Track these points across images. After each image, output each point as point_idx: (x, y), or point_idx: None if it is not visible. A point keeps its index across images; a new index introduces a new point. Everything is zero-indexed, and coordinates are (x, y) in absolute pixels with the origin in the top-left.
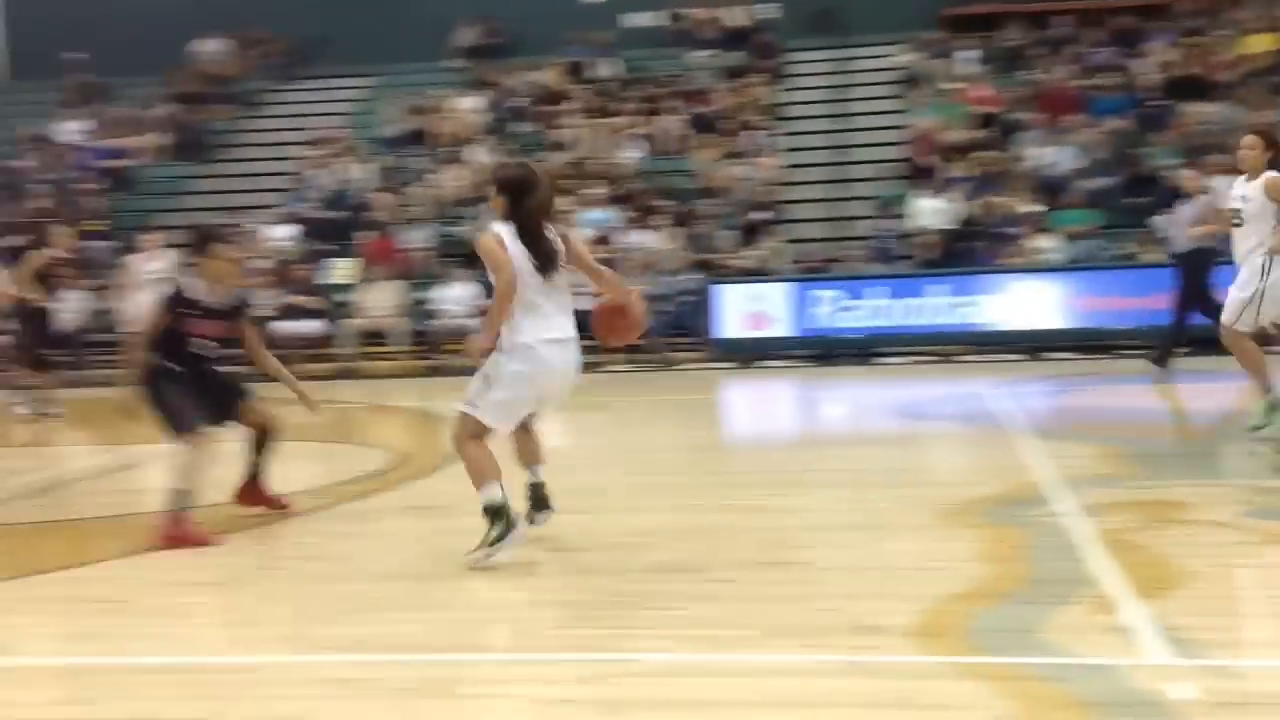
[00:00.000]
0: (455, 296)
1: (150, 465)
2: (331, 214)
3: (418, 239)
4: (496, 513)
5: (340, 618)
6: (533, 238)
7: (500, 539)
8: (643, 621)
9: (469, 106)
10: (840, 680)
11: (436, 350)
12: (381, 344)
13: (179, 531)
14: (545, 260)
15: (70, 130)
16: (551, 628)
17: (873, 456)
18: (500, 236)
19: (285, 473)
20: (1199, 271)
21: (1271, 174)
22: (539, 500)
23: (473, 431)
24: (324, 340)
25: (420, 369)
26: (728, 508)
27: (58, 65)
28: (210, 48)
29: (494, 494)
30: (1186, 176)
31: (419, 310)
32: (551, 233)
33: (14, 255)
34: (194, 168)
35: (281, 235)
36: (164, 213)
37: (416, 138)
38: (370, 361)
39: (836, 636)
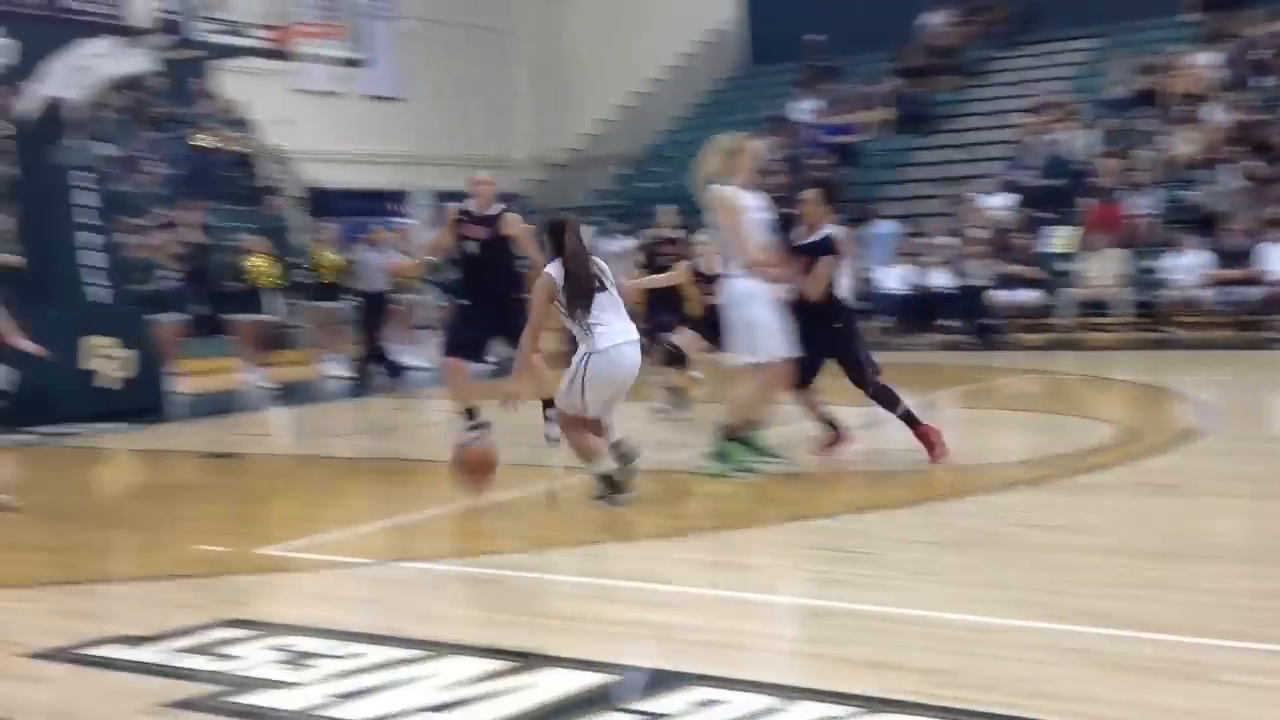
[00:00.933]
0: (1185, 265)
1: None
2: (1052, 181)
3: (1144, 205)
4: (609, 481)
5: (1077, 589)
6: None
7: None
8: None
9: (1204, 62)
10: None
11: (1164, 322)
12: (1102, 315)
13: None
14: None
15: (804, 109)
16: None
17: None
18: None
19: (1005, 442)
20: None
21: None
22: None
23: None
24: (1042, 310)
25: (1145, 341)
26: None
27: (795, 48)
28: (937, 20)
29: (604, 465)
30: None
31: (1144, 279)
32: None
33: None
34: (916, 140)
35: (1000, 204)
36: (887, 184)
37: (1146, 98)
38: (1090, 333)
39: None
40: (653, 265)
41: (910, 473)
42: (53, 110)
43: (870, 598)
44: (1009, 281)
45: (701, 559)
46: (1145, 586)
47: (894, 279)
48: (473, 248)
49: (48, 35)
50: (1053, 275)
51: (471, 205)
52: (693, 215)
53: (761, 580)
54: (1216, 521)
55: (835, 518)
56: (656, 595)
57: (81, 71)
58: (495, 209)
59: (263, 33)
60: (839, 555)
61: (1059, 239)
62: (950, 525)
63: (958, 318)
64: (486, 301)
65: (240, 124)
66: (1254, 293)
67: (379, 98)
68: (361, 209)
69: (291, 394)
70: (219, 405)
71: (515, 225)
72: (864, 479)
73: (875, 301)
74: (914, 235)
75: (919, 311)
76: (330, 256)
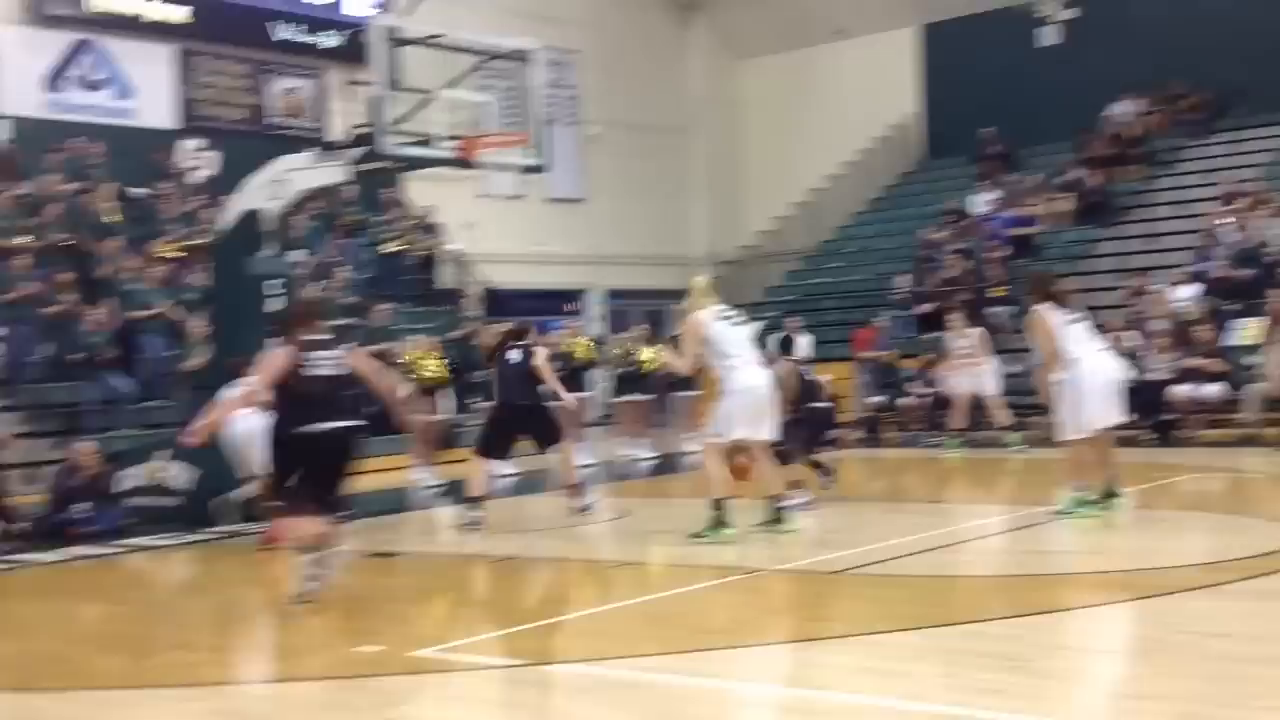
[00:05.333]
0: None
1: (1044, 526)
2: (1240, 272)
3: None
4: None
5: (1246, 702)
6: None
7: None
8: None
9: None
10: None
11: None
12: None
13: None
14: None
15: (982, 201)
16: None
17: None
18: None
19: (1182, 544)
20: None
21: None
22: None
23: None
24: (1225, 406)
25: None
26: None
27: (975, 141)
28: (1123, 109)
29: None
30: None
31: None
32: None
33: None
34: (1098, 231)
35: (1184, 296)
36: (1067, 276)
37: None
38: (1275, 429)
39: None
40: None
41: (1078, 576)
42: (250, 221)
43: (1025, 708)
44: (1191, 375)
45: (854, 664)
46: None
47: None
48: None
49: (250, 149)
50: (1237, 369)
51: None
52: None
53: (913, 689)
54: None
55: (995, 622)
56: (806, 703)
57: (279, 184)
58: None
59: (450, 144)
60: (990, 661)
61: (1245, 332)
62: (1116, 631)
63: (1137, 412)
64: None
65: (427, 229)
66: None
67: (560, 199)
68: (538, 308)
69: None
70: (390, 504)
71: None
72: (1027, 581)
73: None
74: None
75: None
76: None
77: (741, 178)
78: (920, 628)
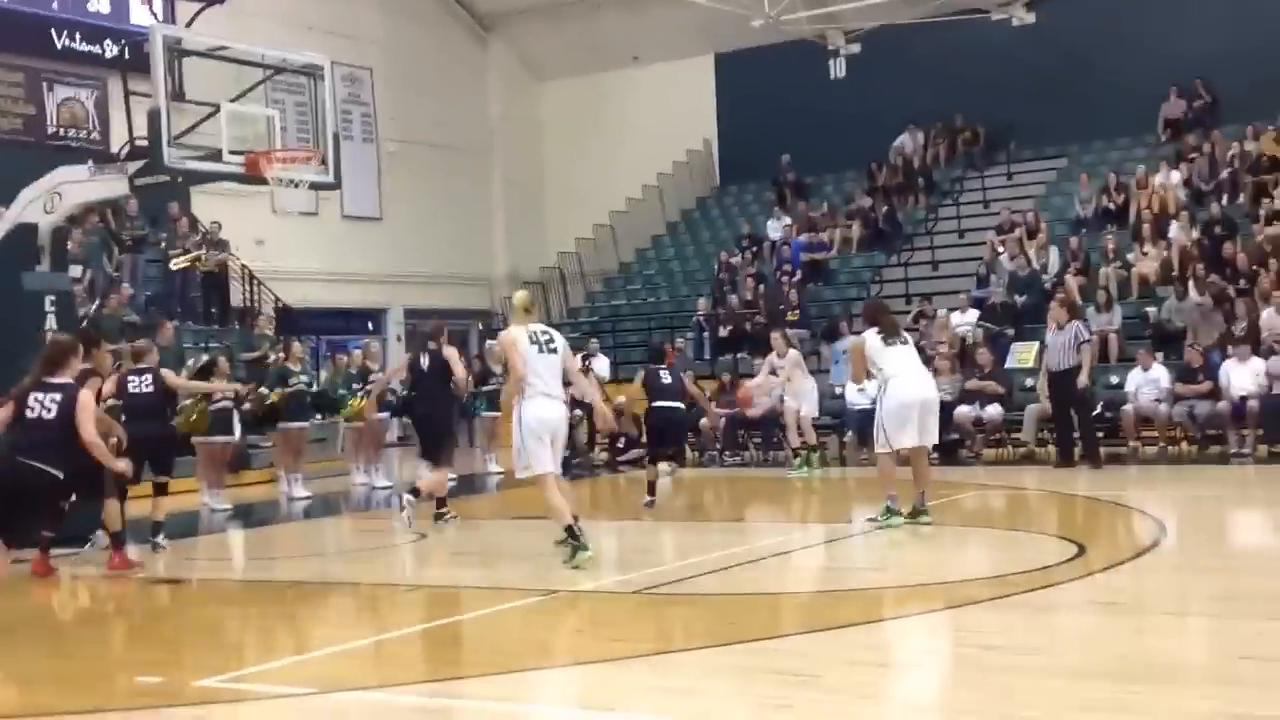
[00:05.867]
0: (1147, 380)
1: (838, 543)
2: (1017, 298)
3: (1110, 321)
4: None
5: (1020, 711)
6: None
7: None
8: None
9: (1170, 181)
10: None
11: (1127, 438)
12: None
13: None
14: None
15: (777, 227)
16: None
17: None
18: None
19: (963, 560)
20: None
21: None
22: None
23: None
24: (1005, 426)
25: (1106, 456)
26: None
27: (770, 168)
28: (907, 141)
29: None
30: None
31: (1110, 394)
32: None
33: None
34: (885, 257)
35: (966, 320)
36: (856, 301)
37: (1111, 217)
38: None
39: None
40: None
41: (860, 591)
42: (23, 235)
43: None
44: (972, 396)
45: (647, 684)
46: (1090, 710)
47: (857, 394)
48: None
49: (24, 160)
50: (1016, 391)
51: None
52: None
53: (705, 707)
54: (1168, 641)
55: (787, 638)
56: None
57: (54, 197)
58: None
59: (238, 158)
60: (782, 678)
61: (1022, 355)
62: (896, 645)
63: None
64: None
65: (216, 245)
66: (1214, 408)
67: (357, 217)
68: (336, 327)
69: (250, 515)
70: (176, 528)
71: None
72: (814, 598)
73: (840, 416)
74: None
75: None
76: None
77: (542, 199)
78: (714, 645)
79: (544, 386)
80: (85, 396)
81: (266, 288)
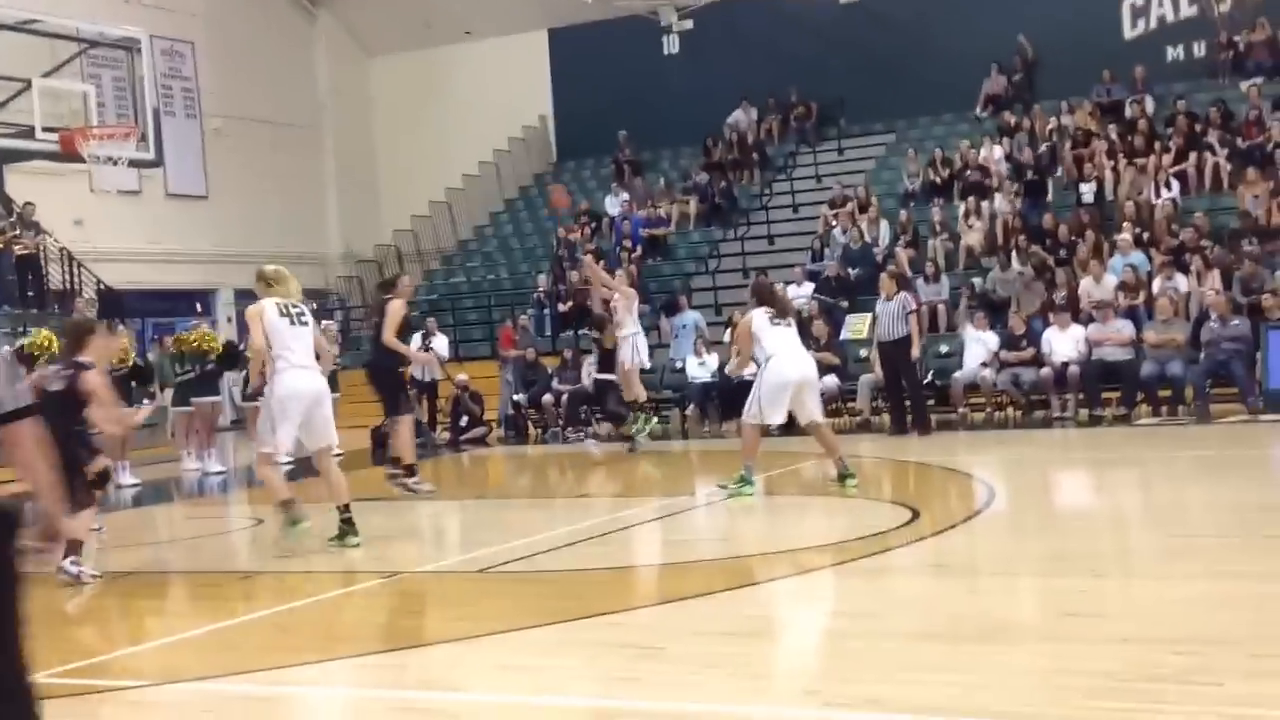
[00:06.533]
0: (977, 338)
1: (681, 515)
2: (850, 270)
3: (938, 292)
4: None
5: (857, 674)
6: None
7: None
8: (1176, 697)
9: (993, 155)
10: None
11: (959, 403)
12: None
13: None
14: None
15: (615, 203)
16: (1081, 697)
17: None
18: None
19: (802, 528)
20: None
21: None
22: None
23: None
24: (840, 396)
25: (938, 423)
26: (1274, 575)
27: (607, 143)
28: (740, 117)
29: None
30: None
31: (940, 363)
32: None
33: (566, 320)
34: (722, 232)
35: (801, 293)
36: (696, 275)
37: (938, 190)
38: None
39: None
40: None
41: (704, 563)
42: None
43: (656, 694)
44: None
45: (493, 662)
46: (924, 669)
47: (698, 368)
48: None
49: None
50: (850, 361)
51: None
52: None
53: (552, 682)
54: (999, 601)
55: (633, 612)
56: (445, 705)
57: None
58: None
59: (51, 135)
60: (628, 651)
61: (856, 327)
62: (740, 614)
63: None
64: None
65: (30, 226)
66: (1037, 374)
67: (182, 195)
68: (165, 309)
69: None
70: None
71: None
72: (659, 571)
73: (681, 390)
74: (721, 325)
75: (723, 399)
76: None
77: (376, 176)
78: (560, 622)
79: (296, 359)
80: None
81: (87, 269)
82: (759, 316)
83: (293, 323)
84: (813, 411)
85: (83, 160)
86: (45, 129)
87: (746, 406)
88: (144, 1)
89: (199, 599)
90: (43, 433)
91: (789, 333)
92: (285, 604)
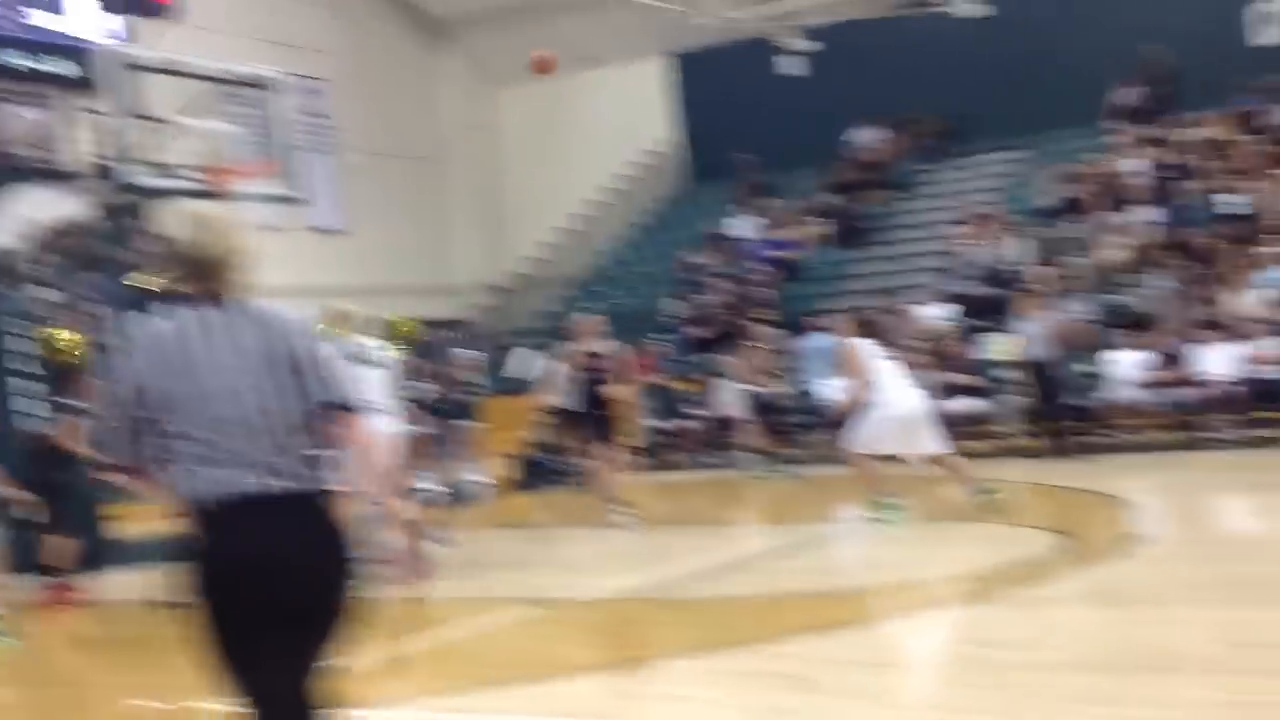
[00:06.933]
0: (1122, 368)
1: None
2: (986, 289)
3: (1079, 310)
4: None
5: (1016, 706)
6: None
7: None
8: None
9: (1128, 169)
10: None
11: (1102, 427)
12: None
13: None
14: None
15: (742, 226)
16: None
17: None
18: None
19: (950, 556)
20: None
21: None
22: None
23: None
24: (984, 418)
25: (1087, 446)
26: None
27: (729, 166)
28: (866, 135)
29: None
30: None
31: (1085, 384)
32: None
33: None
34: (850, 253)
35: (934, 314)
36: (826, 297)
37: (1073, 205)
38: (1034, 440)
39: None
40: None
41: (852, 591)
42: None
43: None
44: (948, 390)
45: (645, 691)
46: (1087, 702)
47: (832, 391)
48: None
49: None
50: (992, 382)
51: None
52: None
53: (703, 713)
54: (1160, 631)
55: (777, 642)
56: None
57: (15, 219)
58: None
59: (197, 174)
60: (778, 681)
61: (995, 347)
62: (891, 645)
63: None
64: None
65: None
66: (1189, 394)
67: (322, 230)
68: None
69: None
70: (163, 550)
71: None
72: (807, 599)
73: (814, 414)
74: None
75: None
76: None
77: (504, 205)
78: (711, 650)
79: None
80: None
81: None
82: (862, 344)
83: (358, 364)
84: (919, 445)
85: (226, 198)
86: (189, 168)
87: (852, 435)
88: (281, 42)
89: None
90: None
91: (894, 364)
92: (438, 632)
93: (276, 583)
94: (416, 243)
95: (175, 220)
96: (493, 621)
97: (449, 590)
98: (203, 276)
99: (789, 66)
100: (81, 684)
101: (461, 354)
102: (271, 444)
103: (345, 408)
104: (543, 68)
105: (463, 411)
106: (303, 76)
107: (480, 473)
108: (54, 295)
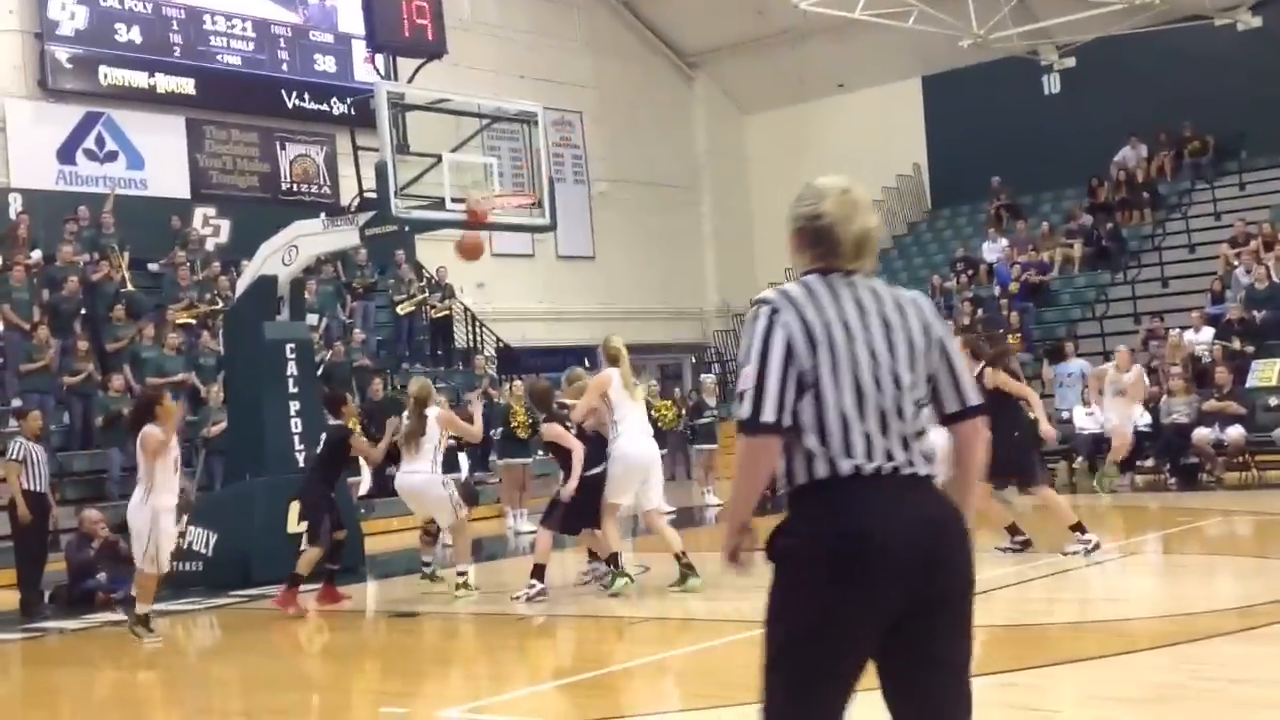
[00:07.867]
0: None
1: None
2: (1255, 313)
3: None
4: None
5: None
6: None
7: None
8: None
9: None
10: None
11: None
12: None
13: None
14: None
15: (993, 249)
16: None
17: None
18: None
19: (1209, 589)
20: None
21: None
22: None
23: None
24: (1248, 448)
25: None
26: None
27: (979, 189)
28: (1129, 154)
29: None
30: None
31: None
32: None
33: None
34: (1111, 275)
35: (1201, 338)
36: (1081, 321)
37: None
38: None
39: None
40: None
41: (1097, 623)
42: (263, 287)
43: None
44: (1211, 418)
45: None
46: None
47: (1086, 418)
48: None
49: (261, 215)
50: (1257, 410)
51: None
52: None
53: None
54: None
55: (1023, 672)
56: None
57: (291, 250)
58: None
59: (459, 205)
60: (1021, 713)
61: (1263, 373)
62: (1138, 680)
63: (1158, 456)
64: None
65: (440, 289)
66: None
67: (570, 257)
68: (555, 365)
69: (479, 550)
70: (407, 564)
71: None
72: (1050, 630)
73: (1069, 442)
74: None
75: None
76: (523, 412)
77: (750, 230)
78: None
79: (637, 427)
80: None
81: (488, 328)
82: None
83: (633, 396)
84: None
85: (485, 228)
86: (453, 200)
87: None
88: (538, 77)
89: (593, 642)
90: None
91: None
92: (671, 650)
93: (934, 573)
94: (663, 268)
95: (819, 197)
96: (725, 642)
97: (684, 610)
98: (848, 254)
99: (1047, 85)
100: (338, 690)
101: (704, 378)
102: (904, 426)
103: (977, 410)
104: (469, 253)
105: (705, 435)
106: (560, 109)
107: (716, 494)
108: (322, 322)
